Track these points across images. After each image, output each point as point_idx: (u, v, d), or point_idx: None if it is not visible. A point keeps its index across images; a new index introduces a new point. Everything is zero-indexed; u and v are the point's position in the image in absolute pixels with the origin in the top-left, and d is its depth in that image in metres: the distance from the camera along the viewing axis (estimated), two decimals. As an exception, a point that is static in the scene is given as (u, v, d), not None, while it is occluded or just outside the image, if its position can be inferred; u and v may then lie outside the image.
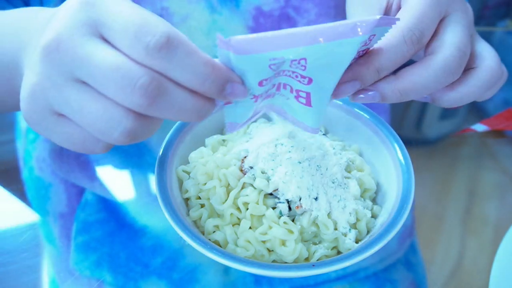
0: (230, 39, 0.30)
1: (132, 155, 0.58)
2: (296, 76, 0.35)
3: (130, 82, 0.28)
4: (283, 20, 0.60)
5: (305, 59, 0.33)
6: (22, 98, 0.32)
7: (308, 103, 0.37)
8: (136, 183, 0.55)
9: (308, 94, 0.37)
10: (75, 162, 0.57)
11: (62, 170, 0.56)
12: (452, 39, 0.37)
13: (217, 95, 0.31)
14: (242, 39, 0.30)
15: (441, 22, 0.38)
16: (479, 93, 0.40)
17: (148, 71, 0.29)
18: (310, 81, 0.35)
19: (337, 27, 0.32)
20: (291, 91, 0.37)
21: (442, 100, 0.40)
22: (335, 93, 0.37)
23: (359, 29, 0.32)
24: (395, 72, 0.38)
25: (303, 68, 0.34)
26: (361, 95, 0.38)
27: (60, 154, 0.58)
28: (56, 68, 0.30)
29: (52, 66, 0.30)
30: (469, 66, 0.40)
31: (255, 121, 0.48)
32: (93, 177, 0.55)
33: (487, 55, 0.40)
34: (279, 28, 0.60)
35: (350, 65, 0.36)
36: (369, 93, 0.37)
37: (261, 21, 0.59)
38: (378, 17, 0.33)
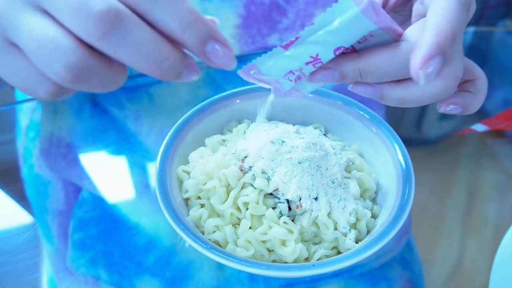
0: None
1: (126, 153, 0.58)
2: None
3: (85, 7, 0.26)
4: (274, 8, 0.61)
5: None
6: None
7: None
8: (130, 181, 0.56)
9: None
10: (63, 161, 0.57)
11: (53, 169, 0.56)
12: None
13: (195, 50, 0.29)
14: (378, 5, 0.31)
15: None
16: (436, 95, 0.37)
17: (109, 0, 0.27)
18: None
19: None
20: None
21: (390, 98, 0.37)
22: (427, 74, 0.31)
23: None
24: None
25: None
26: (318, 74, 0.35)
27: (49, 153, 0.58)
28: None
29: None
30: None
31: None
32: (82, 176, 0.55)
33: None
34: (270, 16, 0.61)
35: (422, 39, 0.32)
36: (328, 71, 0.35)
37: (252, 9, 0.60)
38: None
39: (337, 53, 0.33)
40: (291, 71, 0.35)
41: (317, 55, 0.34)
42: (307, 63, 0.34)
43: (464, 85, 0.40)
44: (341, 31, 0.32)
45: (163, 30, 0.29)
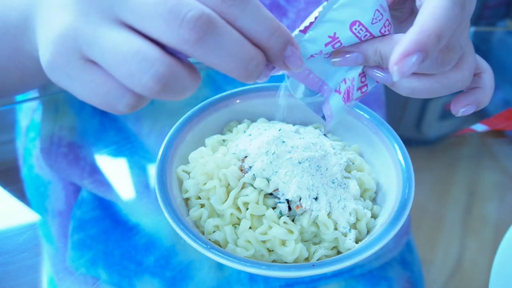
0: None
1: (127, 153, 0.58)
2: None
3: (177, 15, 0.27)
4: (274, 8, 0.61)
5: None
6: (46, 43, 0.30)
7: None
8: (130, 181, 0.56)
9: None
10: (64, 160, 0.57)
11: (53, 168, 0.56)
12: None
13: (277, 53, 0.31)
14: None
15: None
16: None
17: (199, 5, 0.27)
18: None
19: None
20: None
21: (401, 86, 0.37)
22: (401, 70, 0.31)
23: None
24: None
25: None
26: (340, 58, 0.36)
27: (49, 152, 0.58)
28: (94, 4, 0.29)
29: (90, 2, 0.29)
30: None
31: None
32: (82, 175, 0.55)
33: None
34: None
35: (406, 36, 0.33)
36: (352, 54, 0.36)
37: None
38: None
39: (353, 28, 0.34)
40: (311, 55, 0.35)
41: (334, 34, 0.34)
42: (326, 44, 0.35)
43: (472, 79, 0.39)
44: (353, 2, 0.33)
45: (248, 35, 0.30)
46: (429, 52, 0.31)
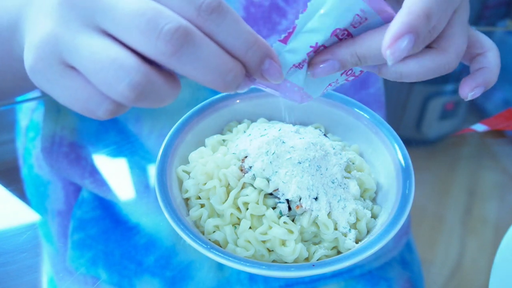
0: None
1: (127, 153, 0.58)
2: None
3: (155, 27, 0.27)
4: (273, 9, 0.61)
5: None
6: (29, 47, 0.31)
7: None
8: (130, 181, 0.56)
9: None
10: (65, 160, 0.57)
11: (54, 168, 0.56)
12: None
13: (255, 67, 0.31)
14: None
15: None
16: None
17: (177, 18, 0.28)
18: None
19: None
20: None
21: (388, 72, 0.37)
22: (394, 54, 0.31)
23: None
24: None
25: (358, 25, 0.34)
26: (321, 65, 0.36)
27: (51, 151, 0.58)
28: (75, 12, 0.29)
29: (71, 10, 0.29)
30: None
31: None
32: (83, 175, 0.55)
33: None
34: (270, 18, 0.61)
35: (395, 18, 0.33)
36: (328, 63, 0.35)
37: (252, 11, 0.60)
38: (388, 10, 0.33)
39: (335, 34, 0.34)
40: (294, 65, 0.35)
41: (316, 43, 0.34)
42: (308, 53, 0.35)
43: (476, 59, 0.39)
44: (333, 12, 0.33)
45: (226, 48, 0.30)
46: (420, 33, 0.31)
